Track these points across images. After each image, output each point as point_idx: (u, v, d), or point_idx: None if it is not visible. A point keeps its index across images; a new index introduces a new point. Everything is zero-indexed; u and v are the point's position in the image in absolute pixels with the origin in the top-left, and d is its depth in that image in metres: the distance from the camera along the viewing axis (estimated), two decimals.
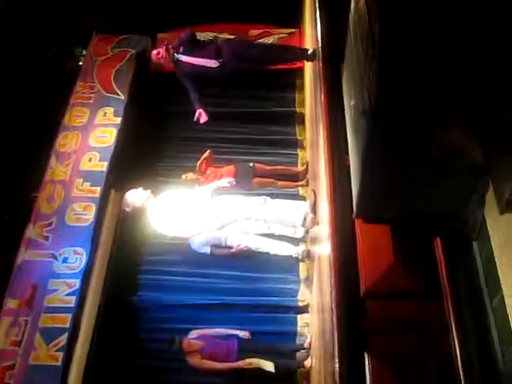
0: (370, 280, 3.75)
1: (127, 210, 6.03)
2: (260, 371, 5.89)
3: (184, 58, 6.66)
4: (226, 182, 6.19)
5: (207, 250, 6.59)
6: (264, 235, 6.43)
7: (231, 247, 6.50)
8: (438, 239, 3.85)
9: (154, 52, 6.76)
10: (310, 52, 6.46)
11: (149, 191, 5.92)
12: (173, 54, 6.64)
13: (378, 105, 3.19)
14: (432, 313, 3.67)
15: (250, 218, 6.09)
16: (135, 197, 5.90)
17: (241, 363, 5.92)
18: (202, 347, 6.04)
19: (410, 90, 3.13)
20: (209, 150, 7.08)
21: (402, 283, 3.73)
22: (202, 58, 6.60)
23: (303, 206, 5.92)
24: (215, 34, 8.92)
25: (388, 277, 3.73)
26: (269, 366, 5.84)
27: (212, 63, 6.59)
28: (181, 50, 6.65)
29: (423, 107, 3.16)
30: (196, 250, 6.63)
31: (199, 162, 6.87)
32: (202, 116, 6.73)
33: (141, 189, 5.93)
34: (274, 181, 7.02)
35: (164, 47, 6.68)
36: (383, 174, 3.49)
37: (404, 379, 3.54)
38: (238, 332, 6.26)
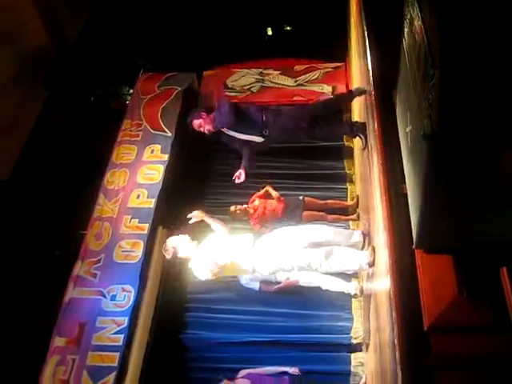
0: (433, 314, 3.56)
1: (167, 256, 5.78)
2: None
3: (227, 131, 6.44)
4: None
5: (256, 285, 6.48)
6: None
7: (280, 282, 6.36)
8: (505, 269, 3.64)
9: (196, 122, 6.43)
10: (355, 89, 6.36)
11: (194, 242, 5.65)
12: (215, 127, 6.38)
13: (440, 128, 3.07)
14: (501, 347, 3.44)
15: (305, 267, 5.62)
16: (177, 244, 5.66)
17: None
18: None
19: (474, 111, 2.99)
20: (268, 185, 7.04)
21: (468, 316, 3.53)
22: (247, 134, 6.39)
23: (362, 255, 5.46)
24: (260, 69, 8.98)
25: (453, 310, 3.54)
26: None
27: (257, 139, 6.42)
28: (223, 129, 6.41)
29: (488, 129, 3.01)
30: (244, 285, 6.52)
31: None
32: (240, 176, 6.46)
33: (184, 236, 5.67)
34: (324, 214, 6.86)
35: (205, 119, 6.39)
36: (445, 201, 3.33)
37: None
38: (287, 369, 6.05)
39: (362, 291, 6.21)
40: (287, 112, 6.58)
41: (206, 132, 6.42)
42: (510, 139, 2.99)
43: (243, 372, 6.06)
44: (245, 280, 6.46)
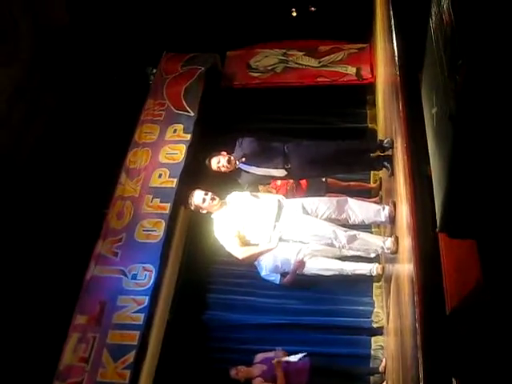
0: (456, 298, 3.50)
1: (191, 207, 5.88)
2: None
3: (247, 168, 6.07)
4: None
5: (277, 278, 6.48)
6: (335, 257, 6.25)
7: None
8: None
9: (214, 160, 6.03)
10: (386, 141, 5.94)
11: (217, 199, 5.77)
12: (235, 164, 6.04)
13: (466, 110, 2.99)
14: None
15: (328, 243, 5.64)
16: (200, 197, 5.76)
17: None
18: (263, 371, 5.88)
19: (500, 91, 2.91)
20: None
21: (491, 302, 3.46)
22: (268, 168, 6.05)
23: (385, 242, 5.42)
24: (284, 50, 8.90)
25: (475, 295, 3.48)
26: None
27: (279, 172, 6.09)
28: (243, 160, 6.04)
29: None
30: (265, 278, 6.53)
31: None
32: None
33: (209, 195, 5.76)
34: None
35: (225, 157, 6.02)
36: (471, 183, 3.26)
37: None
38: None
39: (383, 271, 6.15)
40: (310, 145, 6.29)
41: (226, 170, 6.05)
42: None
43: (260, 356, 6.09)
44: (265, 272, 6.45)
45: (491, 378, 3.37)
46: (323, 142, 6.51)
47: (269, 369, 5.89)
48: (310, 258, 6.25)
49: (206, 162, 6.11)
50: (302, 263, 6.25)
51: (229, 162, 5.98)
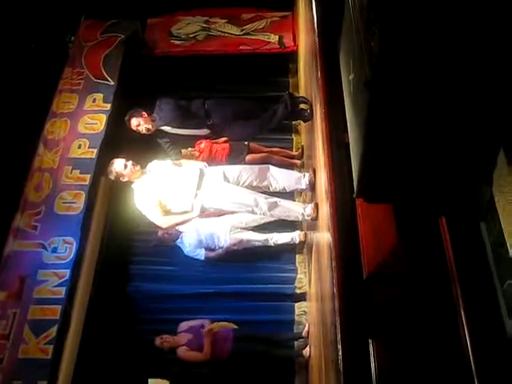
0: (373, 263, 3.57)
1: (110, 176, 5.87)
2: (257, 361, 5.78)
3: (169, 130, 6.22)
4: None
5: (201, 253, 6.47)
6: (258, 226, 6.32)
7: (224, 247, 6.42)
8: (444, 219, 3.66)
9: (135, 122, 6.17)
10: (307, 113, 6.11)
11: (137, 166, 5.76)
12: (157, 125, 6.18)
13: (379, 76, 3.01)
14: (439, 296, 3.49)
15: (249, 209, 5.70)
16: (121, 164, 5.73)
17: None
18: (189, 339, 5.94)
19: (414, 57, 2.94)
20: None
21: (407, 265, 3.55)
22: (191, 128, 6.25)
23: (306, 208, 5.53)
24: (206, 18, 8.77)
25: (392, 259, 3.56)
26: None
27: (202, 132, 6.27)
28: (163, 120, 6.20)
29: (428, 76, 2.98)
30: (189, 255, 6.53)
31: None
32: None
33: (130, 162, 5.74)
34: (268, 155, 6.78)
35: (146, 118, 6.17)
36: (385, 150, 3.30)
37: (410, 363, 3.37)
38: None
39: (306, 237, 6.23)
40: (231, 100, 6.51)
41: (145, 131, 6.19)
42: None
43: (184, 325, 6.12)
44: (188, 248, 6.47)
45: (406, 339, 3.47)
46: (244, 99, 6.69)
47: (194, 337, 5.94)
48: (234, 233, 6.32)
49: (126, 118, 6.21)
50: (240, 242, 6.34)
51: (148, 129, 6.13)
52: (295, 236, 6.32)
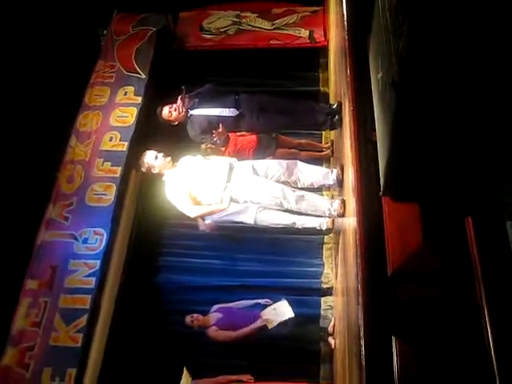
0: (397, 261, 3.59)
1: (142, 168, 6.04)
2: (284, 346, 5.89)
3: (198, 112, 6.33)
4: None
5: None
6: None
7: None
8: (470, 219, 3.67)
9: (167, 108, 6.37)
10: (335, 106, 6.12)
11: (168, 158, 5.91)
12: (187, 109, 6.32)
13: (406, 76, 3.04)
14: (463, 295, 3.50)
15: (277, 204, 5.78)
16: (152, 156, 5.90)
17: (255, 324, 5.90)
18: (218, 319, 6.04)
19: (441, 59, 2.96)
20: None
21: (432, 264, 3.57)
22: (220, 107, 6.26)
23: (333, 204, 5.61)
24: (237, 12, 8.80)
25: (417, 258, 3.58)
26: (288, 313, 5.84)
27: (231, 112, 6.26)
28: (196, 101, 6.33)
29: (455, 76, 3.00)
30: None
31: None
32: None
33: (161, 153, 5.90)
34: (297, 151, 6.75)
35: (175, 103, 6.33)
36: (412, 149, 3.34)
37: (431, 362, 3.40)
38: (259, 300, 6.22)
39: (333, 224, 6.17)
40: (262, 96, 6.52)
41: (176, 114, 6.34)
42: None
43: (215, 307, 6.21)
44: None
45: (429, 337, 3.49)
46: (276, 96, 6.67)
47: (224, 317, 6.05)
48: (262, 211, 6.21)
49: (158, 110, 6.38)
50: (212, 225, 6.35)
51: (181, 105, 6.27)
52: (323, 222, 6.14)
